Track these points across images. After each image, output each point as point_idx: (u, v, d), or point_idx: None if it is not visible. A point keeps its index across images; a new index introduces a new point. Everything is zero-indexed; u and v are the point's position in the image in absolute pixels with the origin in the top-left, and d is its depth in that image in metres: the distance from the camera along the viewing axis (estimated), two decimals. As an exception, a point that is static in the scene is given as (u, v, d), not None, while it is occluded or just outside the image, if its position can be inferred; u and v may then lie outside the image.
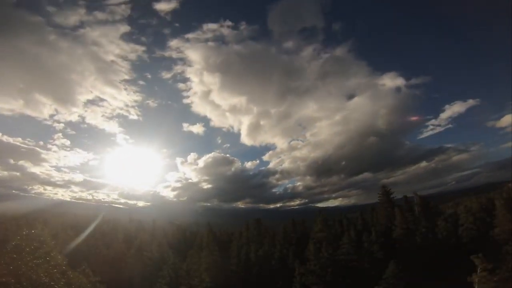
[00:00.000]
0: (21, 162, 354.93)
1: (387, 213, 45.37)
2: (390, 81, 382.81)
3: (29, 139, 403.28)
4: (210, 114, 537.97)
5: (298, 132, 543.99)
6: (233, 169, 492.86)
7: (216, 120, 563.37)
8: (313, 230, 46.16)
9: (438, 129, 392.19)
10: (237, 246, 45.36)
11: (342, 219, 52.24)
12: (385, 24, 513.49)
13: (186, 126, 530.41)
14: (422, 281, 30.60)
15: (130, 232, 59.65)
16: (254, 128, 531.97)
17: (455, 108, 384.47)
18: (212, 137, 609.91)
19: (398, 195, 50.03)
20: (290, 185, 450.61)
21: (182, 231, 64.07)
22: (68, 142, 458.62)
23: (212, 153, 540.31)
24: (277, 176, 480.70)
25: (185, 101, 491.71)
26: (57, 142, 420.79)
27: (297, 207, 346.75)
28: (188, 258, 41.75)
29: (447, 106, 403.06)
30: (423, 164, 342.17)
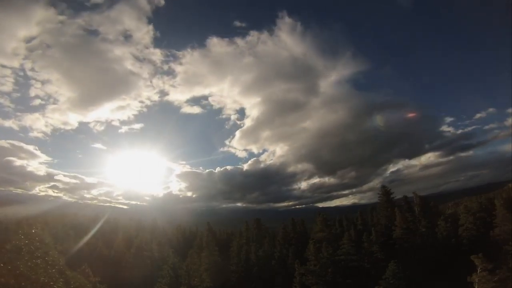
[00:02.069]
0: (19, 160, 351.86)
1: (387, 213, 45.32)
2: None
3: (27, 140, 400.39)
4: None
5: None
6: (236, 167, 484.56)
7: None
8: (313, 230, 46.19)
9: (467, 129, 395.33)
10: (237, 246, 45.37)
11: (342, 219, 52.31)
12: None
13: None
14: (422, 281, 30.58)
15: (130, 232, 59.73)
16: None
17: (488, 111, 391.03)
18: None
19: (404, 193, 49.90)
20: (303, 183, 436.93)
21: (182, 231, 64.21)
22: (67, 140, 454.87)
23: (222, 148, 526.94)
24: (286, 175, 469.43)
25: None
26: (57, 139, 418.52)
27: (297, 207, 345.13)
28: (188, 258, 41.86)
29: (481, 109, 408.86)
30: (439, 160, 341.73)
